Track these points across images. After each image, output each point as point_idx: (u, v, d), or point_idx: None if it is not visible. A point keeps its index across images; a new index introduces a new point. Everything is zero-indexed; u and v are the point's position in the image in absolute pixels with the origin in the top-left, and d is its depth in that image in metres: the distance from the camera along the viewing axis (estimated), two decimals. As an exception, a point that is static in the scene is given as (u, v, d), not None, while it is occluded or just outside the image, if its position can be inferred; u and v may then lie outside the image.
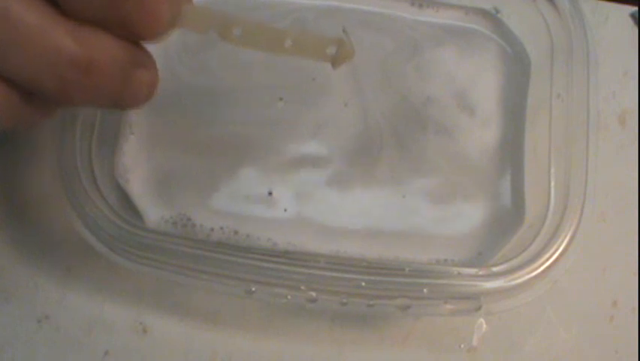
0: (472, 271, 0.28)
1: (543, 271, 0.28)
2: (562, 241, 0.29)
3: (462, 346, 0.32)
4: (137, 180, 0.32)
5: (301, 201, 0.32)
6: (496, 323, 0.32)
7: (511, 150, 0.34)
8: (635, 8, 0.38)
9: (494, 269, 0.28)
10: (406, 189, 0.33)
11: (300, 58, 0.23)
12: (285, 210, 0.32)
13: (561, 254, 0.29)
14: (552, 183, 0.30)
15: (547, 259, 0.28)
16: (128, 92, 0.21)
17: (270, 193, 0.32)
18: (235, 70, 0.33)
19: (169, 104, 0.33)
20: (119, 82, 0.20)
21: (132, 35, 0.20)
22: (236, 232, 0.31)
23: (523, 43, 0.35)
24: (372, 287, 0.28)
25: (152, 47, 0.34)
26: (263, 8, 0.34)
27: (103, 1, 0.18)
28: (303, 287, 0.27)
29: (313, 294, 0.27)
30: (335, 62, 0.23)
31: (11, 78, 0.19)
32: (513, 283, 0.28)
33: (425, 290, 0.28)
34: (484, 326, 0.32)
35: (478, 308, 0.28)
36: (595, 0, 0.37)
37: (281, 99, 0.33)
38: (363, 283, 0.27)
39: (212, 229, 0.31)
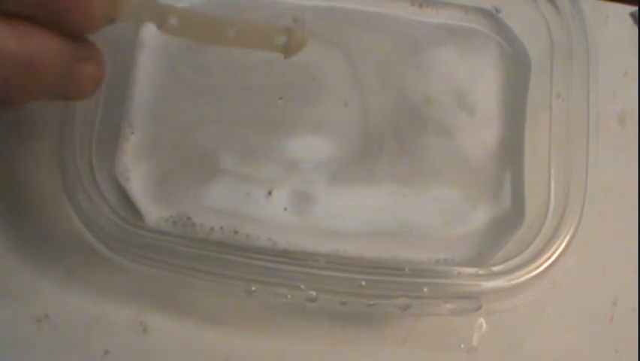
0: (472, 271, 0.28)
1: (543, 271, 0.28)
2: (562, 241, 0.29)
3: (462, 346, 0.32)
4: (138, 180, 0.32)
5: (301, 201, 0.32)
6: (496, 322, 0.32)
7: (511, 150, 0.34)
8: (635, 8, 0.38)
9: (494, 269, 0.28)
10: (406, 189, 0.33)
11: (264, 51, 0.22)
12: (285, 210, 0.32)
13: (561, 254, 0.29)
14: (552, 183, 0.30)
15: (547, 259, 0.29)
16: (73, 87, 0.21)
17: (270, 193, 0.32)
18: (235, 69, 0.33)
19: (169, 104, 0.33)
20: (63, 77, 0.20)
21: (69, 30, 0.20)
22: (236, 232, 0.31)
23: (523, 43, 0.35)
24: (372, 287, 0.28)
25: (152, 47, 0.34)
26: (261, 8, 0.34)
27: None
28: (303, 287, 0.27)
29: (313, 294, 0.27)
30: (286, 52, 0.23)
31: None
32: (513, 283, 0.28)
33: (425, 290, 0.28)
34: (484, 325, 0.32)
35: (478, 308, 0.28)
36: (595, 0, 0.37)
37: (281, 98, 0.33)
38: (363, 283, 0.27)
39: (212, 229, 0.31)
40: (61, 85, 0.20)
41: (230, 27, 0.22)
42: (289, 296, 0.27)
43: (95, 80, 0.22)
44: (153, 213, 0.31)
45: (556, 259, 0.29)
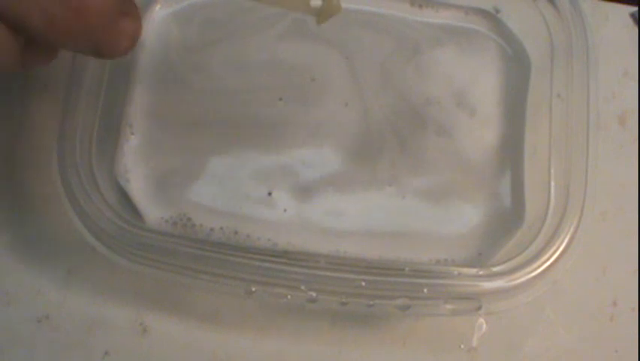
0: (472, 271, 0.28)
1: (543, 271, 0.28)
2: (562, 241, 0.29)
3: (462, 346, 0.32)
4: (137, 180, 0.32)
5: (301, 201, 0.32)
6: (496, 323, 0.32)
7: (511, 150, 0.34)
8: (635, 8, 0.38)
9: (494, 269, 0.28)
10: (406, 189, 0.33)
11: (296, 12, 0.22)
12: (285, 210, 0.32)
13: (561, 254, 0.29)
14: (552, 183, 0.30)
15: (547, 259, 0.28)
16: (111, 40, 0.21)
17: (270, 193, 0.32)
18: (235, 70, 0.33)
19: (169, 104, 0.33)
20: (105, 27, 0.20)
21: None
22: (236, 232, 0.31)
23: (523, 43, 0.35)
24: (372, 287, 0.28)
25: (152, 47, 0.34)
26: (262, 8, 0.34)
27: None
28: (303, 287, 0.27)
29: (313, 294, 0.27)
30: (320, 15, 0.23)
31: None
32: (513, 283, 0.28)
33: (425, 290, 0.28)
34: (484, 326, 0.32)
35: (478, 308, 0.28)
36: (595, 0, 0.37)
37: (281, 99, 0.33)
38: (363, 283, 0.27)
39: (212, 229, 0.31)
40: (102, 36, 0.20)
41: None
42: (289, 297, 0.27)
43: (132, 37, 0.22)
44: (153, 213, 0.31)
45: (557, 259, 0.29)
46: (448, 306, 0.28)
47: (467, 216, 0.33)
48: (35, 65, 0.22)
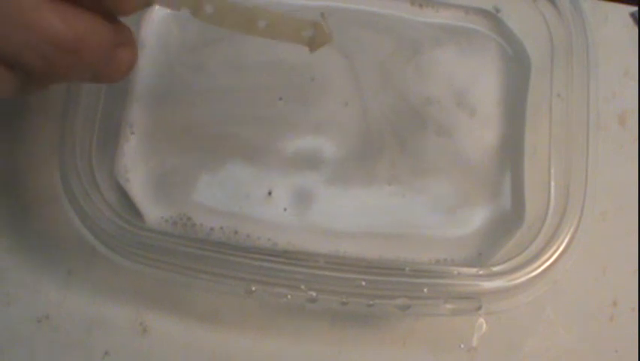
0: (472, 271, 0.28)
1: (543, 271, 0.28)
2: (562, 241, 0.29)
3: (462, 346, 0.32)
4: (137, 180, 0.32)
5: (301, 201, 0.32)
6: (496, 323, 0.32)
7: (511, 150, 0.34)
8: (635, 8, 0.38)
9: (494, 269, 0.28)
10: (405, 188, 0.33)
11: (285, 43, 0.23)
12: (285, 210, 0.32)
13: (561, 254, 0.29)
14: (552, 183, 0.30)
15: (547, 259, 0.28)
16: (109, 69, 0.22)
17: (270, 193, 0.32)
18: (235, 69, 0.33)
19: (169, 104, 0.33)
20: (102, 60, 0.21)
21: (108, 11, 0.20)
22: (236, 232, 0.31)
23: (523, 43, 0.35)
24: (372, 287, 0.28)
25: (152, 47, 0.34)
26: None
27: None
28: (303, 287, 0.27)
29: (313, 294, 0.27)
30: (312, 45, 0.23)
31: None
32: (513, 283, 0.28)
33: (425, 290, 0.28)
34: (484, 326, 0.32)
35: (478, 308, 0.28)
36: (595, 0, 0.37)
37: (281, 99, 0.33)
38: (363, 283, 0.27)
39: (212, 229, 0.31)
40: (99, 67, 0.21)
41: (262, 17, 0.22)
42: (289, 296, 0.27)
43: (129, 64, 0.22)
44: (153, 213, 0.31)
45: (557, 259, 0.29)
46: (448, 306, 0.28)
47: (467, 216, 0.33)
48: (33, 93, 0.22)
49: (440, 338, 0.32)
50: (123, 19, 0.22)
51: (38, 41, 0.19)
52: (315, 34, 0.23)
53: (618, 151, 0.36)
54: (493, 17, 0.35)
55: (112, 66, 0.22)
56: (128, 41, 0.22)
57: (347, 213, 0.32)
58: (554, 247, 0.29)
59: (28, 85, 0.21)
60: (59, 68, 0.20)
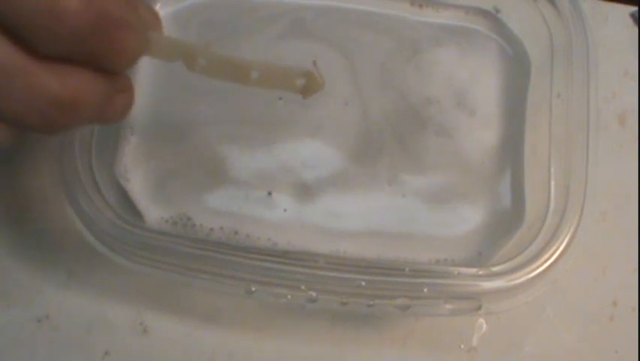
0: (472, 271, 0.28)
1: (543, 271, 0.28)
2: (562, 241, 0.29)
3: (462, 346, 0.32)
4: (137, 180, 0.32)
5: (301, 201, 0.32)
6: (496, 323, 0.32)
7: (511, 150, 0.34)
8: (635, 8, 0.38)
9: (494, 269, 0.28)
10: (406, 189, 0.33)
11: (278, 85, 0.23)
12: (285, 210, 0.32)
13: (561, 254, 0.29)
14: (552, 183, 0.30)
15: (547, 259, 0.28)
16: (106, 116, 0.22)
17: (270, 193, 0.32)
18: (235, 70, 0.33)
19: (169, 104, 0.33)
20: (98, 110, 0.21)
21: (105, 68, 0.20)
22: (236, 232, 0.31)
23: (523, 43, 0.35)
24: (372, 287, 0.28)
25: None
26: (261, 8, 0.34)
27: (71, 39, 0.18)
28: (303, 287, 0.27)
29: (313, 294, 0.27)
30: (305, 93, 0.24)
31: None
32: (513, 283, 0.28)
33: (425, 290, 0.28)
34: (484, 326, 0.32)
35: (478, 308, 0.28)
36: (595, 0, 0.37)
37: (280, 99, 0.33)
38: (363, 283, 0.27)
39: (211, 229, 0.31)
40: (96, 115, 0.21)
41: (254, 69, 0.23)
42: (289, 297, 0.27)
43: (126, 108, 0.23)
44: (153, 213, 0.31)
45: (557, 259, 0.28)
46: (448, 306, 0.28)
47: (467, 216, 0.33)
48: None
49: (440, 338, 0.32)
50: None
51: (35, 102, 0.19)
52: (307, 82, 0.23)
53: (618, 151, 0.36)
54: (493, 17, 0.36)
55: (109, 113, 0.22)
56: (124, 88, 0.22)
57: (347, 213, 0.32)
58: (554, 247, 0.29)
59: (26, 134, 0.21)
60: (57, 123, 0.20)
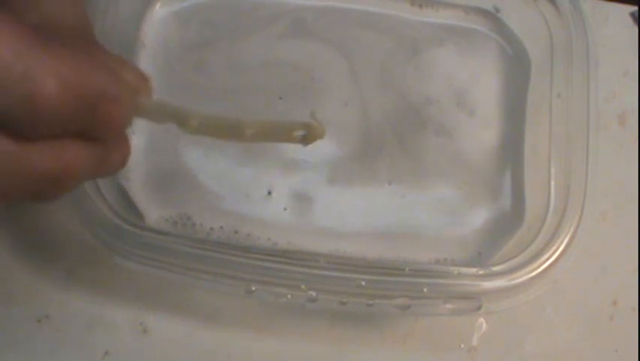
0: (472, 271, 0.28)
1: (543, 271, 0.28)
2: (562, 241, 0.29)
3: (462, 346, 0.32)
4: (138, 180, 0.32)
5: (301, 201, 0.32)
6: (496, 322, 0.32)
7: (511, 150, 0.34)
8: (635, 8, 0.38)
9: (494, 269, 0.28)
10: (405, 188, 0.33)
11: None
12: (285, 209, 0.32)
13: (561, 254, 0.29)
14: (552, 183, 0.30)
15: (547, 259, 0.28)
16: (102, 173, 0.22)
17: (270, 193, 0.32)
18: (235, 70, 0.33)
19: (169, 104, 0.33)
20: (94, 172, 0.21)
21: (94, 137, 0.20)
22: (236, 232, 0.31)
23: (523, 43, 0.35)
24: (372, 287, 0.28)
25: (152, 47, 0.34)
26: (261, 8, 0.34)
27: (54, 122, 0.18)
28: (303, 287, 0.27)
29: (313, 294, 0.27)
30: (305, 142, 0.24)
31: None
32: (513, 283, 0.28)
33: (425, 290, 0.28)
34: (484, 325, 0.32)
35: (478, 308, 0.28)
36: (595, 0, 0.37)
37: (281, 98, 0.33)
38: (363, 283, 0.27)
39: (212, 229, 0.31)
40: (92, 176, 0.21)
41: (248, 127, 0.23)
42: (289, 296, 0.27)
43: (123, 161, 0.22)
44: (153, 213, 0.31)
45: (557, 258, 0.29)
46: (448, 306, 0.28)
47: (467, 216, 0.33)
48: None
49: (440, 338, 0.32)
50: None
51: (27, 182, 0.18)
52: (307, 133, 0.23)
53: (618, 151, 0.36)
54: (493, 17, 0.36)
55: (105, 171, 0.22)
56: (118, 146, 0.22)
57: (347, 213, 0.32)
58: (554, 247, 0.29)
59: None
60: (51, 194, 0.20)
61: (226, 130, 0.23)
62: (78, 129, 0.19)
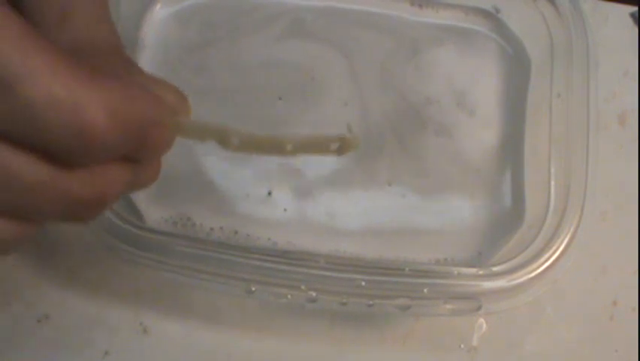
0: (472, 271, 0.28)
1: (543, 271, 0.28)
2: (562, 241, 0.29)
3: (462, 346, 0.32)
4: (137, 180, 0.31)
5: (301, 201, 0.32)
6: (496, 322, 0.32)
7: (511, 150, 0.34)
8: (635, 8, 0.38)
9: (494, 269, 0.28)
10: (405, 188, 0.33)
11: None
12: (285, 210, 0.32)
13: (561, 254, 0.29)
14: (552, 183, 0.30)
15: (547, 259, 0.28)
16: (136, 190, 0.22)
17: (270, 193, 0.32)
18: (235, 69, 0.33)
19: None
20: (129, 191, 0.21)
21: (134, 160, 0.20)
22: (236, 232, 0.31)
23: (523, 43, 0.35)
24: (372, 287, 0.28)
25: (152, 47, 0.34)
26: (261, 8, 0.34)
27: (102, 152, 0.18)
28: (303, 287, 0.27)
29: (313, 294, 0.27)
30: (340, 153, 0.24)
31: (21, 217, 0.19)
32: (513, 283, 0.28)
33: (425, 290, 0.28)
34: (484, 326, 0.32)
35: (478, 308, 0.28)
36: (595, 0, 0.37)
37: (280, 99, 0.33)
38: (363, 283, 0.27)
39: (212, 229, 0.31)
40: (127, 193, 0.21)
41: (289, 143, 0.23)
42: (289, 296, 0.27)
43: (156, 177, 0.22)
44: (153, 213, 0.31)
45: (557, 259, 0.29)
46: (448, 306, 0.28)
47: (467, 216, 0.33)
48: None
49: (440, 338, 0.32)
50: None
51: (64, 208, 0.18)
52: (342, 144, 0.23)
53: (618, 151, 0.36)
54: (493, 17, 0.36)
55: (138, 189, 0.22)
56: (153, 162, 0.22)
57: (347, 213, 0.32)
58: (554, 247, 0.29)
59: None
60: (84, 217, 0.19)
61: (267, 146, 0.23)
62: (122, 154, 0.19)
